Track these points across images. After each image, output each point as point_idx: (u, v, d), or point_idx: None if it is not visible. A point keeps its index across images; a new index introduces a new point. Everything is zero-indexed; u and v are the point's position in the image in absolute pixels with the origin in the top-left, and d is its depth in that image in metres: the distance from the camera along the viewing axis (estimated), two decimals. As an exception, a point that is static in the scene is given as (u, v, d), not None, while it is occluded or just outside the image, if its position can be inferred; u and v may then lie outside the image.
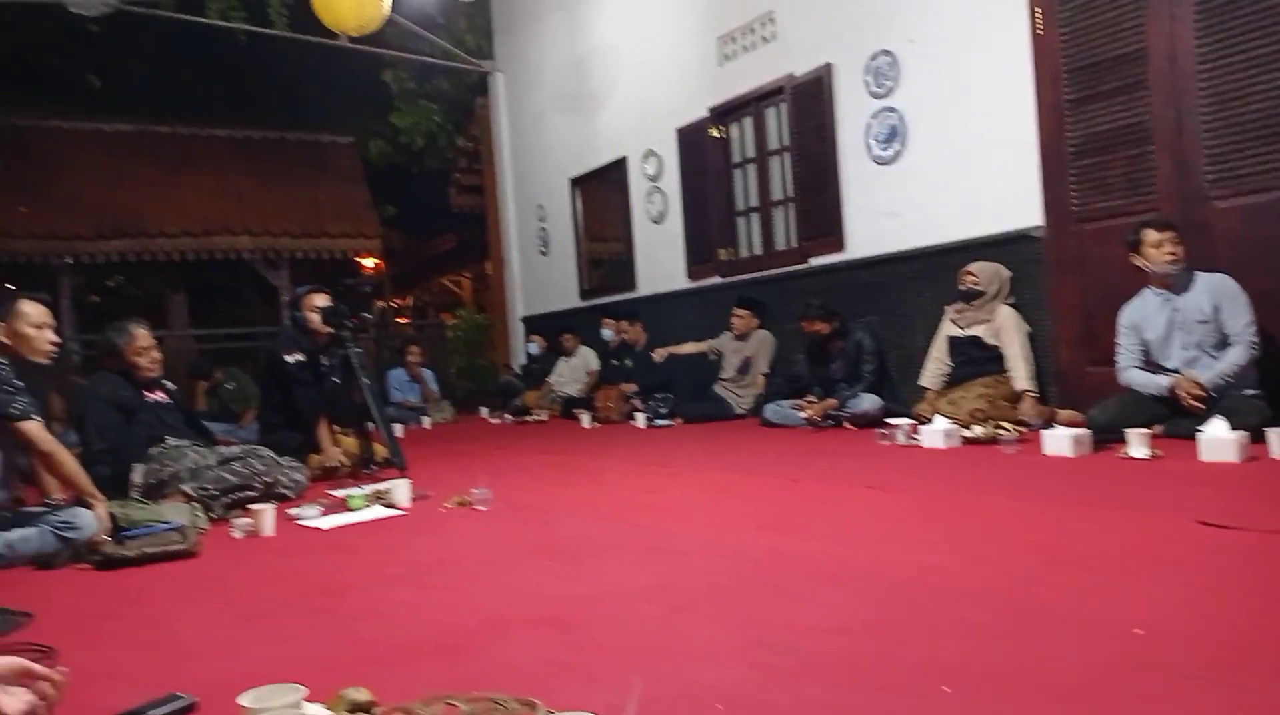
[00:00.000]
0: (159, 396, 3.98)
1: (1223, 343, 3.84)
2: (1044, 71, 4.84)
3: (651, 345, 7.31)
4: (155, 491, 3.57)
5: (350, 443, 4.77)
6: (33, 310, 3.11)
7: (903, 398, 5.34)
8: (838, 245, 6.16)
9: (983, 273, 4.99)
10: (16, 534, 2.88)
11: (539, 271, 9.94)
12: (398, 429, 6.03)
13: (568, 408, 7.69)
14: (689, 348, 6.95)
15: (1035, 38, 4.87)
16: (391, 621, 1.94)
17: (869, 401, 5.29)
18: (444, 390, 9.38)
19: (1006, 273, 5.01)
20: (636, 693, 1.07)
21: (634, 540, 2.63)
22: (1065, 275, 4.85)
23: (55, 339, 3.18)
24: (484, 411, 8.77)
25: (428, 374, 9.17)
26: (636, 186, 8.19)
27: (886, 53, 5.70)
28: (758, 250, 7.02)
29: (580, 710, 1.18)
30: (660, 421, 6.42)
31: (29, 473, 3.32)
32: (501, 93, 10.30)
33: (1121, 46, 4.51)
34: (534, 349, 9.15)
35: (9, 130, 10.45)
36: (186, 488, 3.53)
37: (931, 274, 5.40)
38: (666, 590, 2.03)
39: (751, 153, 7.00)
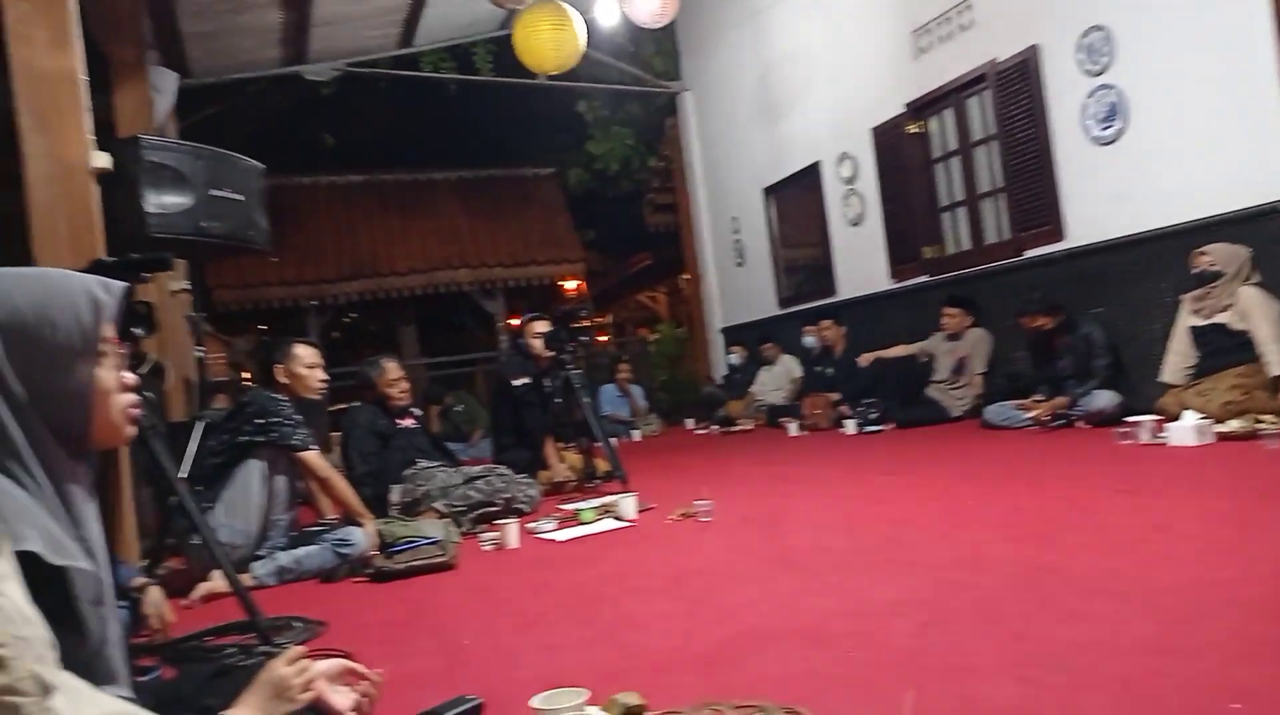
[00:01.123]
0: (409, 422, 4.37)
1: None
2: (1292, 25, 4.38)
3: (853, 348, 7.19)
4: (411, 509, 3.92)
5: (574, 458, 5.02)
6: (305, 352, 3.52)
7: (1142, 393, 4.95)
8: (1055, 235, 5.82)
9: (1218, 253, 4.55)
10: (302, 551, 3.26)
11: (735, 282, 10.01)
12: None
13: (773, 417, 7.69)
14: (898, 350, 6.76)
15: (1280, -12, 4.41)
16: (650, 632, 2.04)
17: (1104, 398, 4.95)
18: (649, 404, 9.64)
19: (1245, 251, 4.53)
20: (910, 703, 1.09)
21: (872, 552, 2.62)
22: (1330, 249, 4.34)
23: (324, 377, 3.58)
24: (689, 423, 8.93)
25: (636, 390, 9.46)
26: (831, 190, 8.09)
27: (1099, 28, 5.33)
28: (966, 245, 6.74)
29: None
30: (871, 427, 6.29)
31: (305, 496, 3.75)
32: (691, 111, 10.49)
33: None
34: (735, 359, 9.22)
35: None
36: (438, 505, 3.85)
37: (1164, 259, 4.98)
38: (918, 604, 2.01)
39: (954, 145, 6.74)
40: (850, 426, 6.41)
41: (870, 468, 4.53)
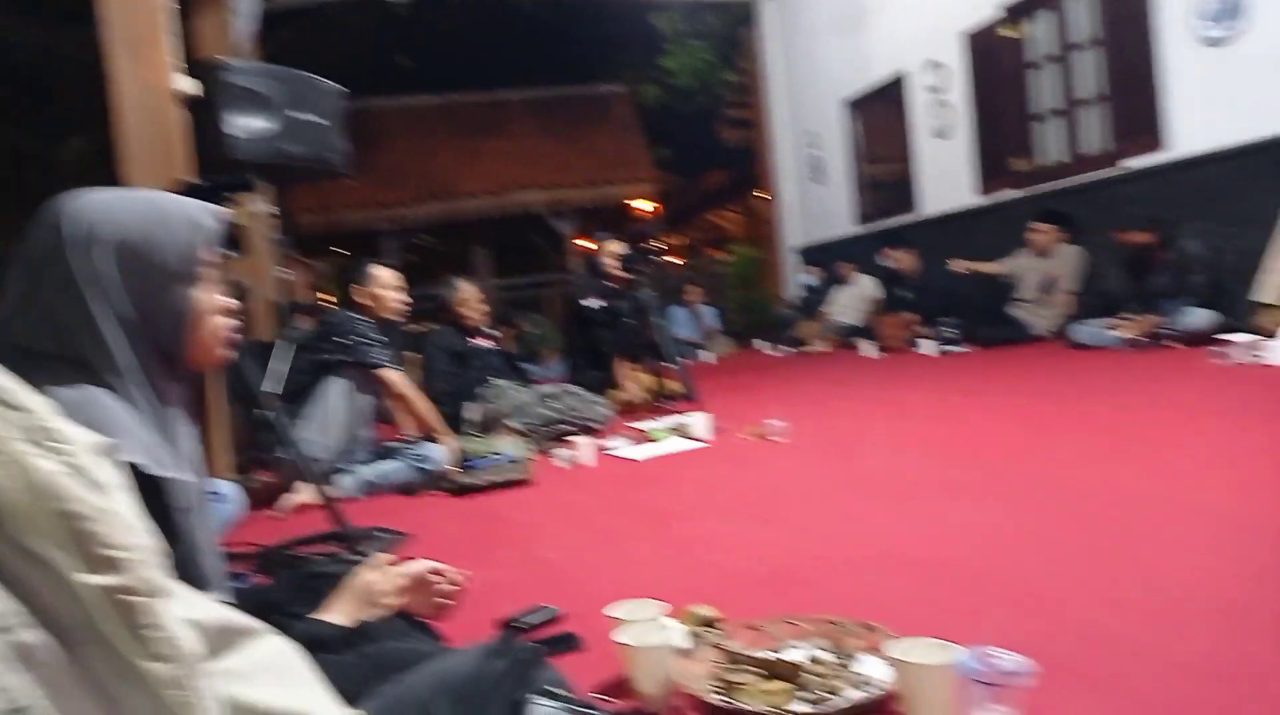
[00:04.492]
0: (485, 343, 4.42)
1: None
2: None
3: (930, 269, 6.98)
4: (487, 427, 4.00)
5: (646, 379, 5.03)
6: (385, 274, 3.56)
7: (1239, 312, 4.69)
8: (1154, 143, 5.48)
9: None
10: (385, 465, 3.36)
11: (812, 200, 9.77)
12: (686, 364, 6.27)
13: (847, 337, 7.56)
14: (989, 267, 6.51)
15: None
16: (726, 549, 2.05)
17: (1200, 316, 4.71)
18: (722, 325, 9.58)
19: None
20: (994, 625, 1.07)
21: (949, 475, 2.57)
22: None
23: (406, 299, 3.63)
24: (761, 344, 8.86)
25: (708, 311, 9.40)
26: (917, 100, 7.75)
27: (1217, -87, 4.91)
28: (1060, 157, 6.41)
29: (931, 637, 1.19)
30: (949, 347, 6.14)
31: (387, 413, 3.85)
32: (768, 20, 10.11)
33: None
34: (810, 279, 9.06)
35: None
36: (513, 423, 3.91)
37: (1272, 170, 4.66)
38: (1010, 529, 1.96)
39: (1053, 49, 6.35)
40: (928, 347, 6.26)
41: (948, 388, 4.43)
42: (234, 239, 2.61)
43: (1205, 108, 5.16)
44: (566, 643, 1.52)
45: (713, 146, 12.64)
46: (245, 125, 3.34)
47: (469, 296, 4.35)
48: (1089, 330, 5.25)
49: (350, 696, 0.97)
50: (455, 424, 3.95)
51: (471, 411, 4.11)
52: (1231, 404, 3.04)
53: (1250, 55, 4.86)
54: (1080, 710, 1.10)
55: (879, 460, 2.92)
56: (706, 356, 8.46)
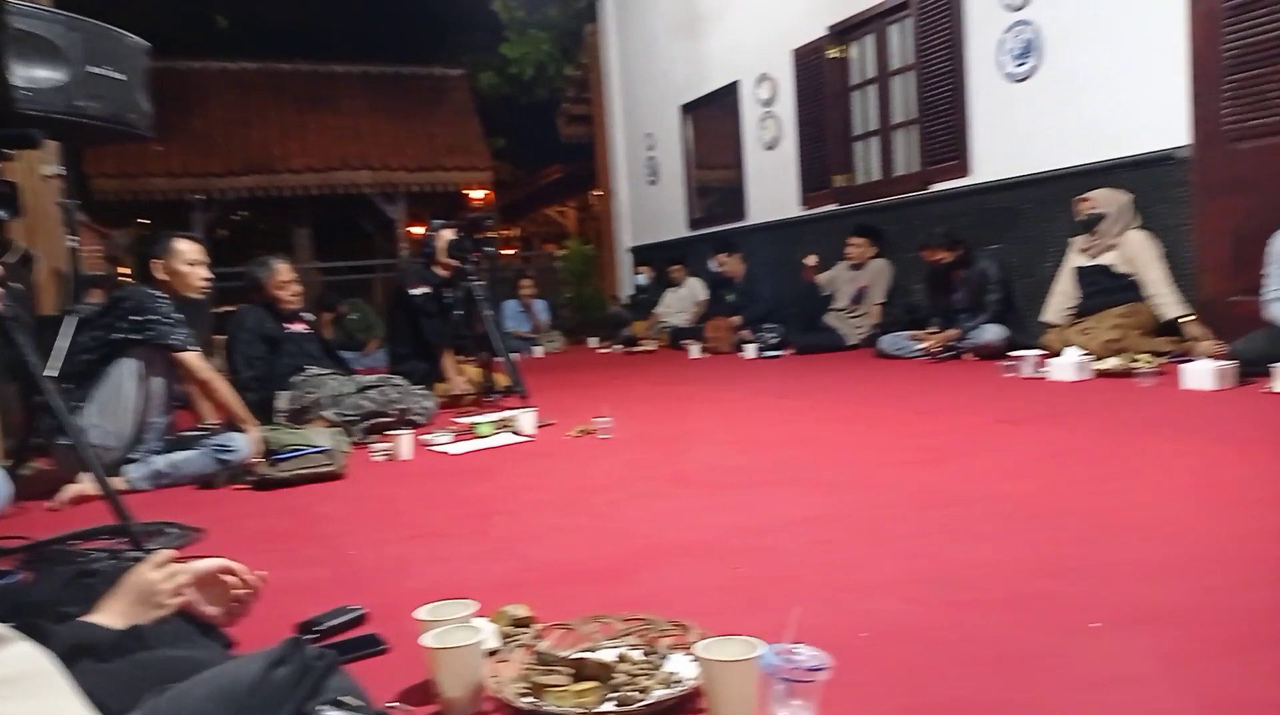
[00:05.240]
0: (299, 327, 4.19)
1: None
2: (1200, -25, 4.47)
3: (757, 275, 7.24)
4: (299, 417, 3.78)
5: (473, 372, 4.93)
6: (187, 248, 3.30)
7: (1029, 329, 5.15)
8: (962, 170, 5.91)
9: (1099, 198, 4.73)
10: (179, 455, 3.11)
11: (647, 201, 9.91)
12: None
13: (675, 338, 7.72)
14: (822, 276, 6.78)
15: (1193, -62, 4.48)
16: (545, 546, 2.02)
17: (993, 332, 5.13)
18: (553, 321, 9.56)
19: (1126, 196, 4.72)
20: (797, 618, 1.10)
21: (770, 472, 2.65)
22: (1214, 198, 4.53)
23: (208, 275, 3.37)
24: (592, 342, 8.90)
25: (539, 305, 9.35)
26: (749, 112, 8.01)
27: (1021, -39, 5.35)
28: (876, 175, 6.81)
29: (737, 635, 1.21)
30: (770, 352, 6.39)
31: (185, 399, 3.57)
32: (611, 17, 10.16)
33: (1294, -57, 4.12)
34: (642, 279, 9.19)
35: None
36: (328, 413, 3.73)
37: (1063, 199, 5.11)
38: (811, 522, 2.04)
39: (872, 73, 6.74)
40: (751, 351, 6.49)
41: (769, 391, 4.60)
42: (12, 197, 2.34)
43: (1006, 139, 5.61)
44: (370, 646, 1.45)
45: (552, 140, 12.57)
46: (31, 75, 3.00)
47: (285, 277, 4.11)
48: (893, 341, 5.60)
49: (116, 709, 0.87)
50: (264, 413, 3.72)
51: (282, 400, 3.88)
52: (1019, 413, 3.31)
53: (1046, 92, 5.32)
54: (877, 701, 1.15)
55: (702, 457, 2.99)
56: (537, 351, 8.41)
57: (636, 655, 1.27)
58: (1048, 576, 1.57)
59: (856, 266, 6.49)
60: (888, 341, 5.66)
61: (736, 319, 7.11)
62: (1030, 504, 2.07)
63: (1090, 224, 4.72)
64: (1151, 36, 4.68)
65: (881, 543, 1.86)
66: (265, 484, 2.92)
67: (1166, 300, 4.50)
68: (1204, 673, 1.16)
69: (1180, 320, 4.42)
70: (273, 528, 2.44)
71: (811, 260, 6.67)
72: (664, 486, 2.57)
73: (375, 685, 1.27)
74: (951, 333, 5.28)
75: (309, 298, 7.07)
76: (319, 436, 3.32)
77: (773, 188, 7.75)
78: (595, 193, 11.24)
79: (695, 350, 7.02)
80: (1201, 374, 3.54)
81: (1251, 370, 3.51)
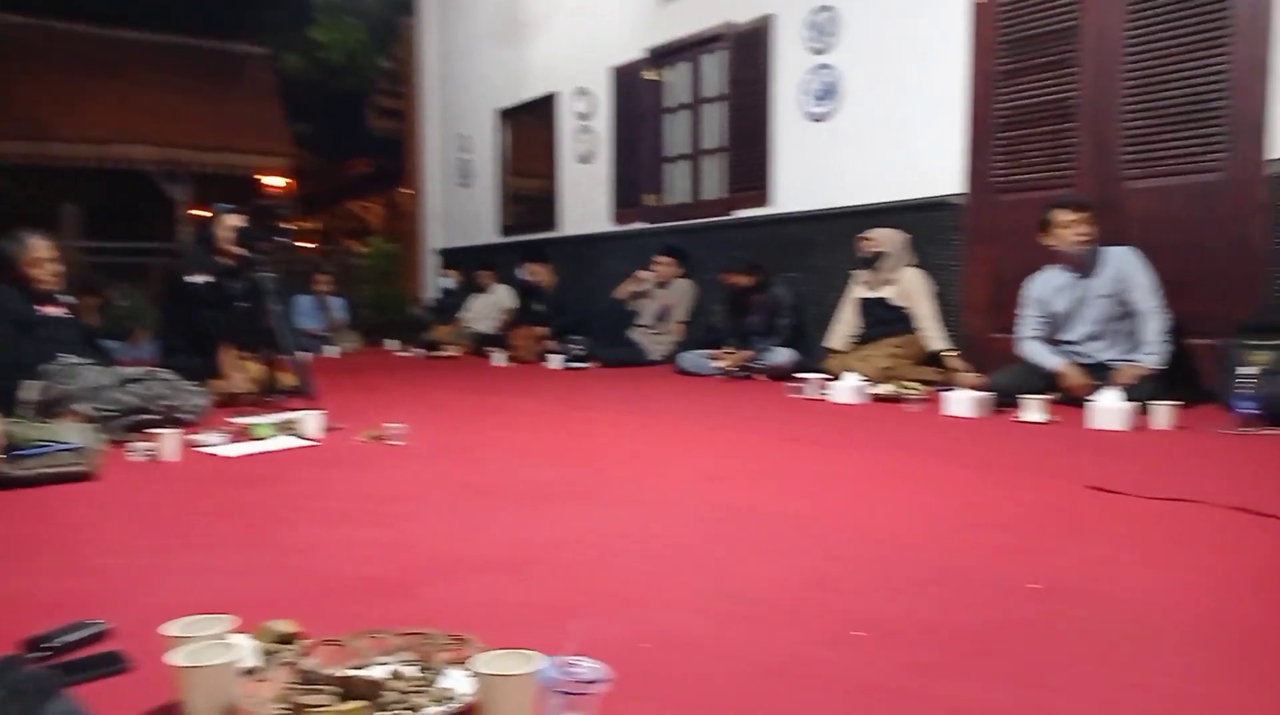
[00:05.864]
0: (56, 311, 3.76)
1: (1125, 316, 4.03)
2: (981, 40, 4.93)
3: (565, 287, 7.27)
4: (49, 409, 3.39)
5: (255, 369, 4.61)
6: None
7: (817, 353, 5.46)
8: (763, 199, 6.20)
9: (880, 236, 5.13)
10: (-104, 448, 2.70)
11: (458, 203, 9.72)
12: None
13: (479, 345, 7.60)
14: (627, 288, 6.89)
15: (976, 6, 4.94)
16: (322, 558, 1.90)
17: (783, 355, 5.40)
18: (351, 320, 9.16)
19: (903, 235, 5.14)
20: (578, 633, 1.08)
21: (568, 485, 2.63)
22: (980, 244, 5.01)
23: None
24: (392, 344, 8.60)
25: (336, 302, 8.94)
26: (566, 123, 8.05)
27: (827, 8, 5.70)
28: (685, 198, 7.01)
29: (518, 648, 1.18)
30: (575, 364, 6.41)
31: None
32: (431, 14, 9.92)
33: (1057, 22, 4.62)
34: (448, 283, 8.99)
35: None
36: (83, 407, 3.36)
37: (854, 233, 5.48)
38: (611, 536, 2.04)
39: (686, 98, 6.95)
40: (555, 361, 6.49)
41: (572, 403, 4.60)
42: None
43: (804, 173, 5.95)
44: (109, 665, 1.30)
45: (360, 132, 12.09)
46: None
47: (41, 255, 3.68)
48: (693, 358, 5.78)
49: None
50: (6, 403, 3.30)
51: (30, 390, 3.46)
52: (801, 433, 3.48)
53: (842, 134, 5.69)
54: (654, 712, 1.15)
55: (498, 468, 2.93)
56: (330, 351, 8.02)
57: (410, 671, 1.21)
58: (817, 588, 1.65)
59: (662, 284, 6.65)
60: (687, 359, 5.83)
61: (543, 329, 7.09)
62: (806, 519, 2.17)
63: (872, 261, 5.09)
64: (938, 93, 5.11)
65: (669, 557, 1.89)
66: (4, 483, 2.58)
67: (934, 334, 4.92)
68: (951, 681, 1.25)
69: (945, 353, 4.84)
70: (8, 532, 2.16)
71: (640, 277, 6.77)
72: (456, 497, 2.50)
73: (115, 708, 1.14)
74: (746, 353, 5.52)
75: (70, 279, 6.41)
76: (69, 432, 2.98)
77: (585, 201, 7.81)
78: (404, 191, 10.90)
79: (499, 358, 6.94)
80: (961, 403, 3.88)
81: (1005, 401, 3.88)
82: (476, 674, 1.09)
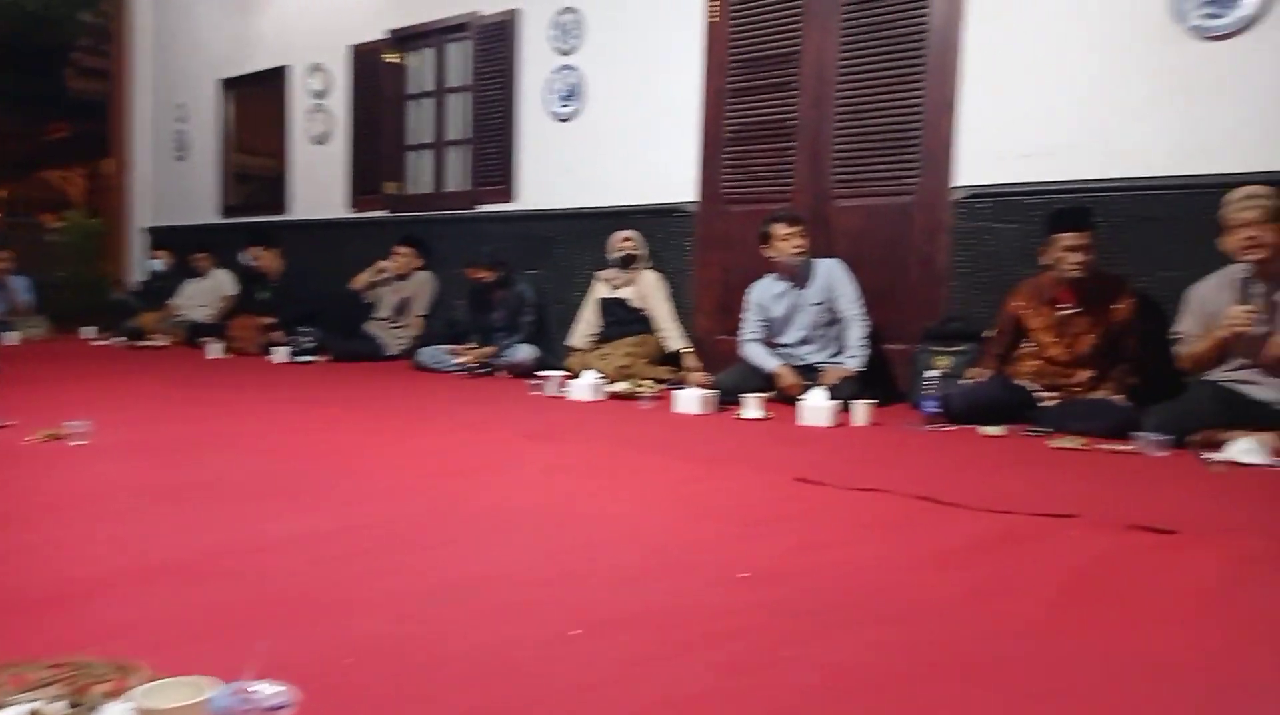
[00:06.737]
0: None
1: (833, 322, 4.41)
2: (713, 58, 5.18)
3: (294, 274, 6.81)
4: None
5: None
6: None
7: (558, 351, 5.50)
8: (508, 195, 6.16)
9: (637, 239, 5.29)
10: None
11: (172, 179, 8.83)
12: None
13: (193, 335, 6.93)
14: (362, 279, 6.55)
15: (710, 25, 5.18)
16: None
17: (525, 352, 5.38)
18: (40, 303, 8.03)
19: (642, 239, 5.34)
20: (262, 651, 0.98)
21: (281, 484, 2.44)
22: (710, 251, 5.27)
23: None
24: (88, 332, 7.64)
25: (20, 282, 7.80)
26: (298, 101, 7.54)
27: (572, 10, 5.75)
28: (428, 188, 6.81)
29: (192, 674, 1.05)
30: (304, 357, 6.02)
31: None
32: (141, -34, 8.92)
33: (780, 46, 4.95)
34: (158, 265, 8.15)
35: None
36: None
37: (597, 234, 5.58)
38: (321, 538, 1.90)
39: (430, 86, 6.74)
40: (281, 354, 6.05)
41: (299, 397, 4.30)
42: None
43: (548, 172, 5.97)
44: None
45: (58, 92, 10.64)
46: None
47: None
48: (431, 354, 5.62)
49: None
50: None
51: None
52: (538, 429, 3.47)
53: (585, 136, 5.76)
54: (345, 734, 1.07)
55: (202, 469, 2.66)
56: (9, 338, 6.99)
57: (56, 709, 1.04)
58: (539, 586, 1.63)
59: (401, 277, 6.40)
60: (427, 354, 5.65)
61: (268, 319, 6.59)
62: (534, 516, 2.16)
63: (627, 262, 5.21)
64: (675, 104, 5.32)
65: (385, 559, 1.79)
66: None
67: (672, 334, 5.12)
68: (662, 672, 1.27)
69: (681, 352, 5.05)
70: None
71: (378, 267, 6.45)
72: (140, 499, 2.23)
73: None
74: (488, 350, 5.44)
75: None
76: None
77: (321, 185, 7.37)
78: (108, 160, 9.72)
79: (216, 349, 6.35)
80: (689, 400, 4.06)
81: (728, 399, 4.10)
82: (139, 708, 0.96)
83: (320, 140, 7.37)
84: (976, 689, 1.24)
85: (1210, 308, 3.40)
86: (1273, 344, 3.23)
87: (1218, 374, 3.38)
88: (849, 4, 4.70)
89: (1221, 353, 3.35)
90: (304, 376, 5.27)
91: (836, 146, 4.79)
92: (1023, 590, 1.67)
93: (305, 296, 6.60)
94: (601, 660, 1.30)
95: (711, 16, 5.16)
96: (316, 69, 7.33)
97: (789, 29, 4.92)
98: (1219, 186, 3.45)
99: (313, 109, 7.41)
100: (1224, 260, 3.40)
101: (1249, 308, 3.22)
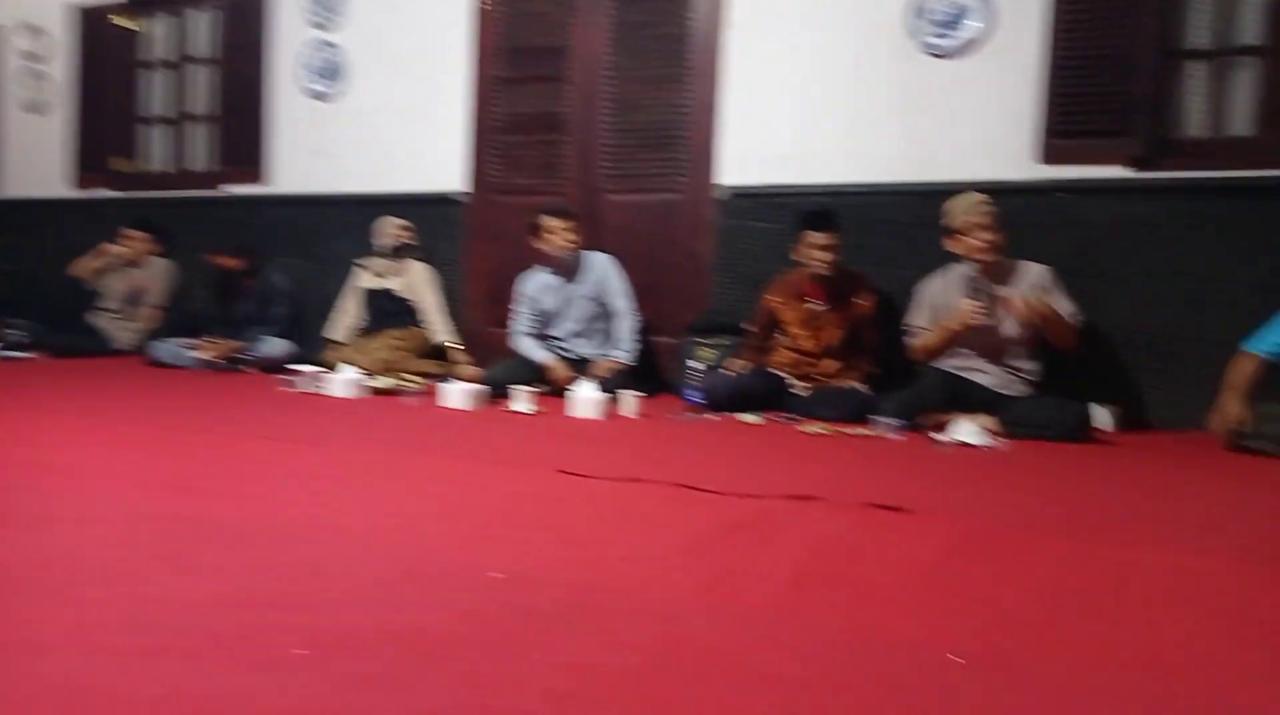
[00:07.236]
0: None
1: (604, 316, 4.43)
2: (484, 45, 5.06)
3: (4, 259, 5.98)
4: None
5: None
6: None
7: (315, 345, 5.16)
8: (257, 176, 5.71)
9: (408, 228, 5.07)
10: None
11: None
12: None
13: None
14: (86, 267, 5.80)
15: (481, 11, 5.05)
16: None
17: (277, 346, 5.02)
18: None
19: (401, 223, 5.14)
20: None
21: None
22: (480, 242, 5.15)
23: None
24: None
25: None
26: (8, 63, 6.63)
27: (332, -16, 5.43)
28: (166, 167, 6.19)
29: None
30: (13, 353, 5.29)
31: None
32: None
33: (551, 39, 4.91)
34: None
35: None
36: None
37: (358, 221, 5.29)
38: (5, 569, 1.62)
39: (170, 55, 6.12)
40: (-16, 350, 5.28)
41: (10, 402, 3.75)
42: None
43: (305, 154, 5.58)
44: None
45: None
46: None
47: None
48: (169, 348, 5.10)
49: None
50: None
51: None
52: (285, 430, 3.22)
53: (346, 117, 5.45)
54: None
55: None
56: None
57: None
58: (258, 606, 1.47)
59: (132, 263, 5.77)
60: (163, 349, 5.12)
61: (-35, 311, 5.73)
62: (267, 528, 1.96)
63: (401, 251, 4.97)
64: (443, 90, 5.14)
65: (79, 587, 1.55)
66: None
67: (439, 327, 4.94)
68: (394, 691, 1.17)
69: (448, 345, 4.89)
70: None
71: (106, 252, 5.72)
72: None
73: None
74: (234, 344, 5.02)
75: None
76: None
77: (38, 159, 6.52)
78: None
79: (-104, 345, 5.44)
80: (457, 395, 3.93)
81: (498, 392, 4.02)
82: None
83: (35, 109, 6.51)
84: (720, 677, 1.24)
85: (939, 302, 3.72)
86: (1011, 305, 3.50)
87: (946, 363, 3.71)
88: (617, 1, 4.73)
89: (951, 343, 3.67)
90: (17, 375, 4.62)
91: (606, 141, 4.82)
92: (764, 574, 1.71)
93: (16, 284, 5.80)
94: (326, 685, 1.18)
95: (483, 4, 5.03)
96: (31, 29, 6.46)
97: (558, 21, 4.89)
98: (943, 193, 3.79)
99: (26, 73, 6.53)
100: (947, 259, 3.73)
101: (977, 303, 3.55)
